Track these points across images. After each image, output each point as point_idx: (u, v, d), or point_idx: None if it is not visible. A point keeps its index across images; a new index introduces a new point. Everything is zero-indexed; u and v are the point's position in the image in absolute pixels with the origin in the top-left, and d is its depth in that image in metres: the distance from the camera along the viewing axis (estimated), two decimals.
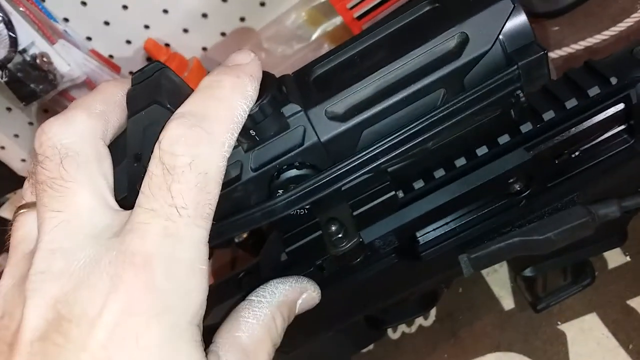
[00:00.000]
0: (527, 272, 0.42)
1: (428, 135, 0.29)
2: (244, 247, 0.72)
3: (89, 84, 0.77)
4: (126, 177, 0.29)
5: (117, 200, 0.29)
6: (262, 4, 0.79)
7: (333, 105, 0.29)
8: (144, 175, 0.28)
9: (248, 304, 0.31)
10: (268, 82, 0.29)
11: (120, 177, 0.29)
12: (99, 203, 0.26)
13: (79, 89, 0.77)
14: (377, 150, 0.30)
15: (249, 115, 0.28)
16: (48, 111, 0.90)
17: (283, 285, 0.32)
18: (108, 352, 0.22)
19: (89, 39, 0.82)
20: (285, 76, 0.32)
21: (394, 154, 0.30)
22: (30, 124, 0.93)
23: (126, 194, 0.29)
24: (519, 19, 0.27)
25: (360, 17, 0.66)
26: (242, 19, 0.81)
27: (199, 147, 0.24)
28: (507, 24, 0.27)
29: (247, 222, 0.31)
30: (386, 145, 0.29)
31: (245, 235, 0.72)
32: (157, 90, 0.28)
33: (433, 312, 0.54)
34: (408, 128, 0.29)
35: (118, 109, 0.29)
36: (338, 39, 0.78)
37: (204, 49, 0.85)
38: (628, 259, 0.46)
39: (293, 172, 0.30)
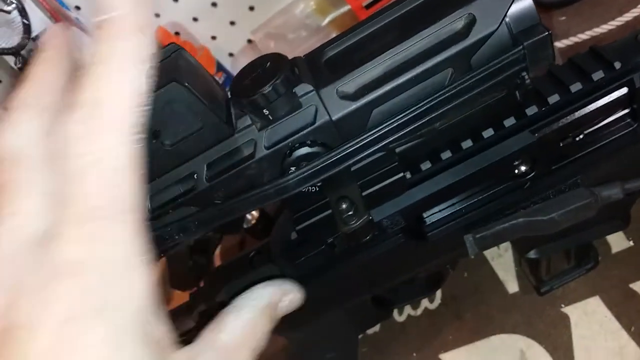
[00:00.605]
0: (532, 254, 0.42)
1: (436, 114, 0.30)
2: (252, 233, 0.73)
3: None
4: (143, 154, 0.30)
5: None
6: None
7: (344, 84, 0.30)
8: (161, 153, 0.30)
9: (232, 307, 0.32)
10: (281, 63, 0.30)
11: None
12: (42, 207, 0.24)
13: None
14: (387, 129, 0.30)
15: (263, 95, 0.29)
16: None
17: (267, 289, 0.34)
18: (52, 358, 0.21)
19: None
20: (297, 58, 0.33)
21: (402, 133, 0.31)
22: None
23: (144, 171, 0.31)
24: (525, 1, 0.28)
25: (368, 6, 0.67)
26: (252, 8, 0.82)
27: (97, 141, 0.23)
28: (512, 5, 0.28)
29: (261, 198, 0.32)
30: (395, 124, 0.30)
31: (254, 221, 0.74)
32: (175, 69, 0.29)
33: (439, 295, 0.55)
34: (417, 107, 0.30)
35: (67, 63, 0.27)
36: (346, 27, 0.79)
37: (214, 37, 0.86)
38: (631, 243, 0.47)
39: (305, 150, 0.31)
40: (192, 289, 0.47)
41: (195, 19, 0.83)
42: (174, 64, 0.29)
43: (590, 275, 0.47)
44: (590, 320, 0.46)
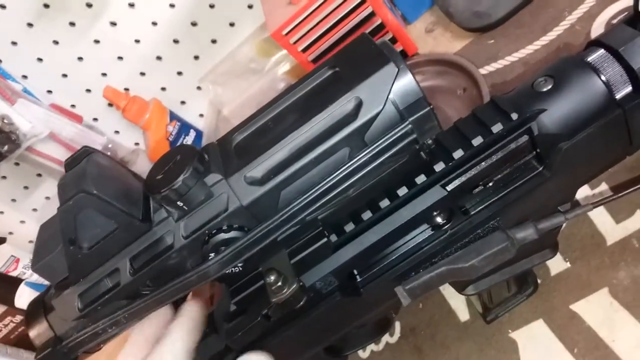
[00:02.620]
0: (469, 291, 0.44)
1: (341, 188, 0.32)
2: (220, 280, 0.74)
3: (53, 137, 0.79)
4: (64, 261, 0.31)
5: (58, 282, 0.32)
6: (214, 41, 0.82)
7: (251, 170, 0.32)
8: (80, 256, 0.31)
9: None
10: (189, 155, 0.32)
11: (58, 260, 0.31)
12: None
13: (44, 143, 0.79)
14: (297, 207, 0.32)
15: (174, 190, 0.31)
16: (19, 164, 0.92)
17: None
18: None
19: (49, 92, 0.84)
20: (209, 145, 0.34)
21: (313, 208, 0.32)
22: (4, 177, 0.94)
23: (67, 274, 0.32)
24: (406, 79, 0.30)
25: (305, 50, 0.69)
26: (196, 57, 0.84)
27: None
28: (395, 85, 0.29)
29: (185, 285, 0.33)
30: (304, 202, 0.32)
31: None
32: (83, 177, 0.30)
33: (398, 328, 0.57)
34: (321, 185, 0.31)
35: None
36: (291, 67, 0.80)
37: (163, 89, 0.87)
38: (568, 264, 0.48)
39: (221, 236, 0.32)
40: None
41: (142, 74, 0.85)
42: (83, 172, 0.31)
43: (533, 300, 0.48)
44: (536, 343, 0.47)
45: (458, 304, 0.54)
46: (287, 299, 0.34)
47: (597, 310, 0.45)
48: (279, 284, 0.33)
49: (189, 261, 0.33)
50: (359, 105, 0.30)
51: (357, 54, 0.32)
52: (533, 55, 0.63)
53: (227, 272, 0.33)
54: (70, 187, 0.30)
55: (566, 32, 0.62)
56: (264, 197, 0.32)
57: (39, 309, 0.36)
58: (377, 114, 0.30)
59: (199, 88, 0.87)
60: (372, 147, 0.30)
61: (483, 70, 0.65)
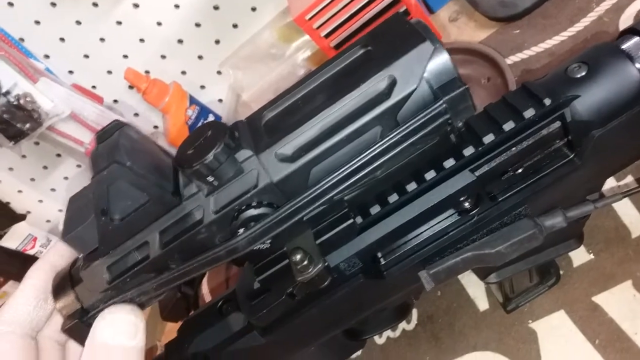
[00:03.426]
0: (491, 279, 0.44)
1: (371, 168, 0.32)
2: (237, 263, 0.74)
3: (74, 117, 0.80)
4: (95, 231, 0.31)
5: (88, 254, 0.32)
6: (235, 26, 0.82)
7: (282, 147, 0.32)
8: (111, 228, 0.31)
9: None
10: (220, 131, 0.32)
11: (89, 231, 0.32)
12: None
13: (65, 123, 0.80)
14: (326, 185, 0.32)
15: (205, 164, 0.31)
16: (39, 143, 0.92)
17: None
18: None
19: (70, 72, 0.84)
20: (239, 122, 0.34)
21: (342, 187, 0.32)
22: (24, 157, 0.95)
23: (96, 246, 0.32)
24: (441, 58, 0.29)
25: (327, 36, 0.68)
26: (217, 42, 0.84)
27: None
28: (430, 63, 0.29)
29: (213, 260, 0.33)
30: (334, 180, 0.32)
31: None
32: (116, 149, 0.30)
33: (415, 316, 0.57)
34: (352, 163, 0.31)
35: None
36: (312, 54, 0.80)
37: (184, 72, 0.87)
38: (592, 256, 0.48)
39: (251, 212, 0.32)
40: (183, 320, 0.47)
41: (163, 57, 0.85)
42: (116, 143, 0.31)
43: (554, 290, 0.48)
44: (556, 334, 0.47)
45: (477, 293, 0.54)
46: (312, 279, 0.34)
47: (620, 302, 0.45)
48: (305, 262, 0.33)
49: (217, 236, 0.33)
50: (392, 84, 0.30)
51: (391, 33, 0.31)
52: (559, 46, 0.62)
53: (254, 248, 0.34)
54: (103, 158, 0.30)
55: (593, 23, 0.61)
56: (294, 174, 0.32)
57: (66, 281, 0.36)
58: (411, 93, 0.30)
59: (219, 73, 0.88)
60: (405, 126, 0.30)
61: (508, 61, 0.64)
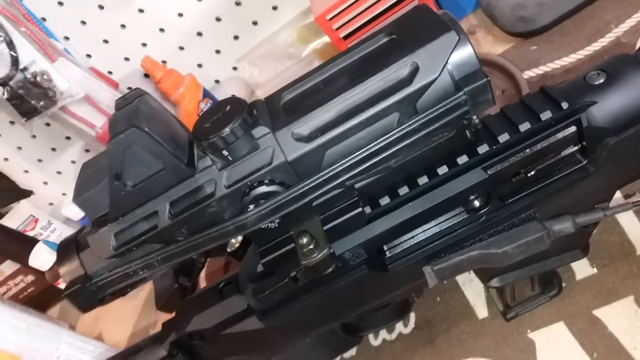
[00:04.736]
0: (494, 283, 0.44)
1: (386, 154, 0.32)
2: (235, 256, 0.75)
3: (88, 100, 0.80)
4: (106, 197, 0.31)
5: (98, 217, 0.32)
6: (255, 23, 0.82)
7: (299, 127, 0.32)
8: (124, 193, 0.31)
9: None
10: (239, 107, 0.32)
11: (100, 196, 0.32)
12: None
13: (79, 104, 0.80)
14: (340, 168, 0.32)
15: (221, 138, 0.31)
16: (50, 125, 0.93)
17: None
18: None
19: (88, 56, 0.85)
20: (257, 101, 0.35)
21: (355, 172, 0.32)
22: (33, 137, 0.96)
23: (106, 211, 0.32)
24: (465, 49, 0.30)
25: (346, 37, 0.69)
26: (236, 37, 0.84)
27: None
28: (453, 54, 0.29)
29: (221, 235, 0.33)
30: (348, 164, 0.32)
31: (237, 245, 0.75)
32: (136, 115, 0.31)
33: (412, 320, 0.56)
34: (367, 148, 0.31)
35: None
36: (327, 56, 0.81)
37: (200, 65, 0.88)
38: (595, 270, 0.48)
39: (263, 189, 0.33)
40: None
41: (181, 48, 0.86)
42: (135, 110, 0.31)
43: (555, 302, 0.48)
44: (554, 346, 0.46)
45: (477, 301, 0.53)
46: (317, 264, 0.34)
47: (621, 317, 0.44)
48: (311, 246, 0.33)
49: (227, 212, 0.33)
50: (414, 71, 0.30)
51: (417, 22, 0.32)
52: (576, 65, 0.63)
53: (262, 226, 0.34)
54: (122, 122, 0.31)
55: (611, 44, 0.62)
56: (309, 154, 0.32)
57: (71, 246, 0.36)
58: (433, 81, 0.30)
59: (234, 69, 0.88)
60: (424, 114, 0.30)
61: (523, 75, 0.64)
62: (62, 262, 0.36)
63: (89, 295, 0.35)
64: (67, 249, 0.37)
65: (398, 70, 0.30)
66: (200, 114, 0.33)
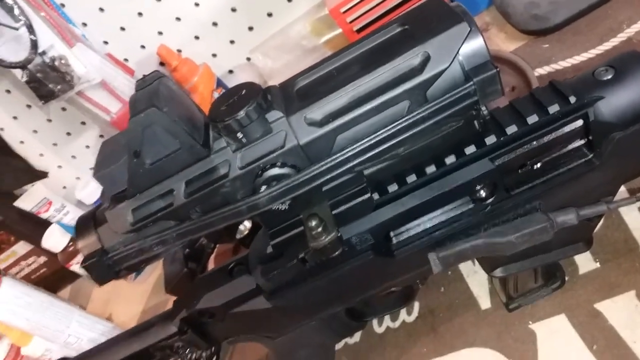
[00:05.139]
0: (497, 273, 0.44)
1: (395, 141, 0.33)
2: (244, 243, 0.76)
3: (104, 86, 0.82)
4: (125, 173, 0.33)
5: (116, 193, 0.33)
6: (270, 15, 0.83)
7: (311, 112, 0.33)
8: (142, 170, 0.32)
9: None
10: (254, 91, 0.33)
11: (119, 172, 0.33)
12: None
13: (95, 90, 0.82)
14: (350, 153, 0.33)
15: (237, 120, 0.32)
16: (65, 109, 0.95)
17: None
18: None
19: (105, 43, 0.87)
20: (271, 86, 0.36)
21: (365, 157, 0.33)
22: (49, 120, 0.97)
23: (124, 187, 0.34)
24: (476, 41, 0.30)
25: (359, 31, 0.70)
26: (251, 29, 0.86)
27: None
28: (464, 44, 0.30)
29: (234, 214, 0.34)
30: (358, 149, 0.33)
31: (246, 232, 0.77)
32: (156, 95, 0.32)
33: (416, 309, 0.57)
34: (377, 134, 0.32)
35: None
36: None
37: (214, 55, 0.89)
38: (598, 265, 0.49)
39: (275, 171, 0.34)
40: None
41: (196, 37, 0.87)
42: (155, 91, 0.32)
43: (557, 294, 0.49)
44: (555, 337, 0.47)
45: (481, 292, 0.54)
46: (325, 246, 0.35)
47: (622, 311, 0.45)
48: (319, 229, 0.35)
49: (240, 192, 0.35)
50: (426, 60, 0.31)
51: (429, 13, 0.33)
52: (587, 63, 0.63)
53: (273, 208, 0.35)
54: (142, 102, 0.32)
55: (623, 43, 0.62)
56: (320, 138, 0.33)
57: (90, 221, 0.38)
58: (443, 71, 0.31)
59: (248, 59, 0.89)
60: (433, 103, 0.31)
61: (534, 72, 0.65)
62: (80, 235, 0.38)
63: (105, 268, 0.37)
64: (85, 224, 0.38)
65: (410, 59, 0.31)
66: (217, 97, 0.34)
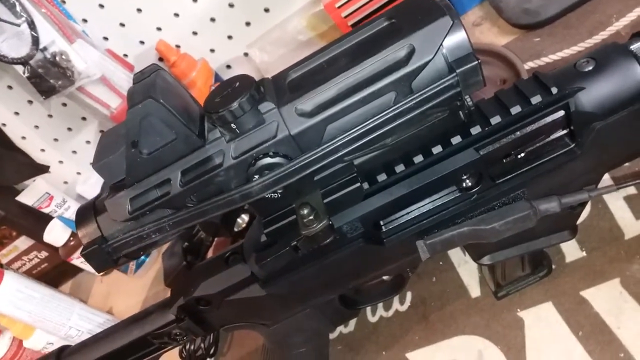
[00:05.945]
0: (485, 260, 0.46)
1: (383, 131, 0.34)
2: (242, 236, 0.77)
3: (104, 81, 0.83)
4: (123, 163, 0.34)
5: (115, 183, 0.35)
6: (267, 10, 0.84)
7: (302, 103, 0.34)
8: (139, 160, 0.34)
9: None
10: (247, 83, 0.34)
11: (118, 162, 0.34)
12: None
13: (95, 85, 0.83)
14: (339, 143, 0.34)
15: (230, 111, 0.34)
16: (66, 105, 0.96)
17: None
18: None
19: (105, 38, 0.88)
20: (264, 79, 0.37)
21: (354, 147, 0.35)
22: (50, 116, 0.99)
23: (123, 177, 0.35)
24: (459, 34, 0.32)
25: (354, 25, 0.71)
26: (248, 24, 0.87)
27: None
28: (447, 37, 0.32)
29: (228, 202, 0.36)
30: (347, 139, 0.34)
31: (244, 225, 0.78)
32: (152, 87, 0.33)
33: (408, 298, 0.59)
34: (364, 124, 0.34)
35: None
36: None
37: (212, 50, 0.90)
38: (584, 254, 0.50)
39: (267, 160, 0.35)
40: None
41: (195, 33, 0.88)
42: (152, 83, 0.34)
43: (544, 282, 0.50)
44: (542, 323, 0.49)
45: (471, 281, 0.56)
46: (316, 234, 0.36)
47: (607, 298, 0.47)
48: (311, 217, 0.36)
49: (234, 181, 0.36)
50: (411, 53, 0.32)
51: (415, 7, 0.34)
52: (576, 56, 0.64)
53: (266, 196, 0.36)
54: (139, 94, 0.33)
55: (611, 36, 0.63)
56: (311, 129, 0.34)
57: (90, 210, 0.39)
58: (427, 63, 0.32)
59: (245, 54, 0.90)
60: (418, 94, 0.33)
61: (525, 66, 0.66)
62: (80, 224, 0.39)
63: (104, 256, 0.38)
64: (85, 213, 0.39)
65: (395, 51, 0.33)
66: (212, 89, 0.35)
